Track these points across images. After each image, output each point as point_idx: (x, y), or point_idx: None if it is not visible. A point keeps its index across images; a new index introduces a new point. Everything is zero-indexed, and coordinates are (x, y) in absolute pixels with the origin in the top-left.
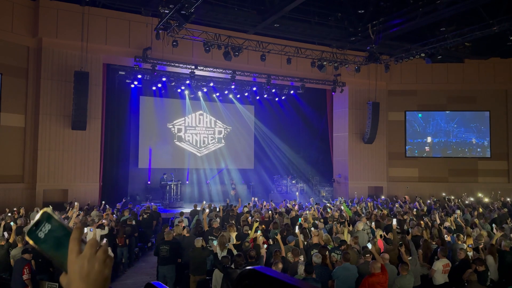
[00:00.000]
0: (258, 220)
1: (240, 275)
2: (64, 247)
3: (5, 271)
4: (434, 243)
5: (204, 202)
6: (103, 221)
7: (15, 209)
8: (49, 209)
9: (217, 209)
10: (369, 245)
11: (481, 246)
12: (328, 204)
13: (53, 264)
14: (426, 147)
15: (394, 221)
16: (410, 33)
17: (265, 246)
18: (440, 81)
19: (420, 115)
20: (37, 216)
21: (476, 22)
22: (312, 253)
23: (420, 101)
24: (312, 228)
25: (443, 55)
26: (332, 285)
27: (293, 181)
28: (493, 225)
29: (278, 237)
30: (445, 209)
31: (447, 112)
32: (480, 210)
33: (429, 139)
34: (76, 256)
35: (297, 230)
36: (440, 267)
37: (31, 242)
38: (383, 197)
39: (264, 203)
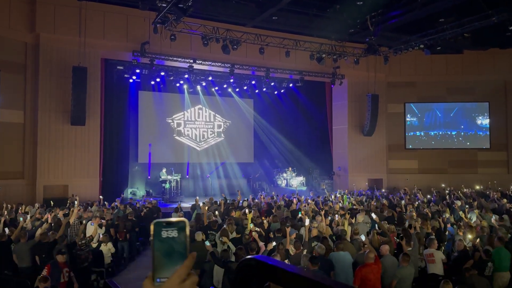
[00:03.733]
0: (251, 210)
1: (241, 264)
2: (169, 259)
3: (7, 268)
4: (433, 233)
5: (197, 198)
6: (102, 220)
7: (9, 205)
8: (187, 222)
9: (218, 203)
10: (363, 237)
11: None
12: (332, 197)
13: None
14: (425, 139)
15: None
16: (409, 25)
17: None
18: (439, 72)
19: (414, 107)
20: (174, 219)
21: (475, 13)
22: (313, 245)
23: (420, 92)
24: (307, 221)
25: (442, 46)
26: (333, 275)
27: (294, 174)
28: (494, 216)
29: (288, 229)
30: (445, 200)
31: (446, 103)
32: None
33: (428, 131)
34: (179, 282)
35: (307, 223)
36: (424, 256)
37: (151, 231)
38: (383, 190)
39: (262, 196)
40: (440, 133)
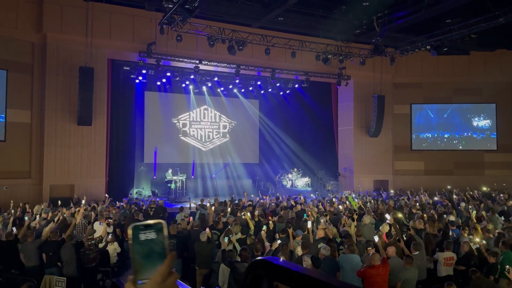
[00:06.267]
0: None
1: (251, 265)
2: (149, 261)
3: (14, 266)
4: (439, 235)
5: (209, 200)
6: (109, 220)
7: (20, 204)
8: (164, 223)
9: (224, 203)
10: (376, 238)
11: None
12: (334, 200)
13: (62, 260)
14: (431, 140)
15: (387, 216)
16: (415, 25)
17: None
18: (446, 73)
19: (429, 109)
20: (151, 221)
21: (482, 14)
22: (319, 246)
23: (426, 93)
24: (309, 224)
25: (448, 47)
26: (340, 276)
27: (299, 175)
28: (502, 217)
29: (290, 230)
30: (451, 202)
31: (452, 104)
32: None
33: (435, 132)
34: (161, 281)
35: (309, 225)
36: (442, 260)
37: (130, 235)
38: (391, 191)
39: (267, 198)
40: (448, 134)
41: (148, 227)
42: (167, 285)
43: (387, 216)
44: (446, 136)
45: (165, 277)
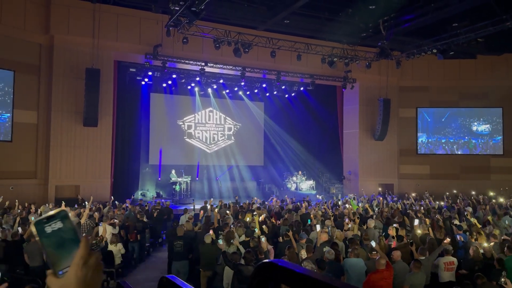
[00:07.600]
0: (257, 213)
1: (257, 268)
2: (64, 250)
3: (20, 266)
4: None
5: (212, 199)
6: (115, 220)
7: (26, 204)
8: (67, 210)
9: (227, 206)
10: (373, 243)
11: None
12: (339, 203)
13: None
14: (437, 144)
15: (416, 221)
16: (422, 29)
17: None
18: (452, 77)
19: (426, 113)
20: (52, 212)
21: (489, 18)
22: (324, 250)
23: (432, 97)
24: (318, 227)
25: (455, 51)
26: (344, 279)
27: (303, 178)
28: (506, 222)
29: (290, 233)
30: (458, 207)
31: (458, 108)
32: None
33: (440, 136)
34: (83, 263)
35: (318, 228)
36: (442, 265)
37: (34, 232)
38: (393, 195)
39: (275, 199)
40: (454, 138)
41: (50, 218)
42: (90, 265)
43: (416, 221)
44: (443, 141)
45: (85, 258)
